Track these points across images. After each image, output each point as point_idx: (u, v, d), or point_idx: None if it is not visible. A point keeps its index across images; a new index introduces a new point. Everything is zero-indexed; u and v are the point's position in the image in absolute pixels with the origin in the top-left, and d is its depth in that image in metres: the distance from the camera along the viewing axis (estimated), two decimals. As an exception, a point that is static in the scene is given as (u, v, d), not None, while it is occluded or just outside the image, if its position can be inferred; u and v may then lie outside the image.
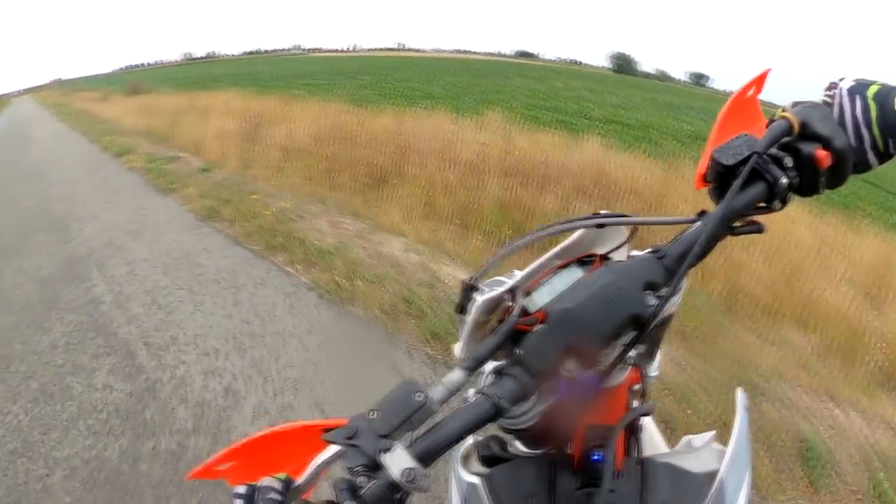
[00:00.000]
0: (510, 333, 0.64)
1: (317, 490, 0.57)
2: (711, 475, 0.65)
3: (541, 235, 0.74)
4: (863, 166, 0.69)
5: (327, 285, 4.28)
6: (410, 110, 11.91)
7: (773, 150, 0.65)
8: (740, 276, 5.09)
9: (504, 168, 7.32)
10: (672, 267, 0.64)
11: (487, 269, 0.73)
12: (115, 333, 3.79)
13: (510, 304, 0.68)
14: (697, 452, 0.72)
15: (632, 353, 0.64)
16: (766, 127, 0.68)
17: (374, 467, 0.51)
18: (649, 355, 0.82)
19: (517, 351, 0.61)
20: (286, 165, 8.30)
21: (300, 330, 3.72)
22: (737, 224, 0.66)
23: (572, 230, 0.74)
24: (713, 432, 0.76)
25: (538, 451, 0.74)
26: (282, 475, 0.55)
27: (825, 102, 0.69)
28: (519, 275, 0.71)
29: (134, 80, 31.55)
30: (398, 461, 0.51)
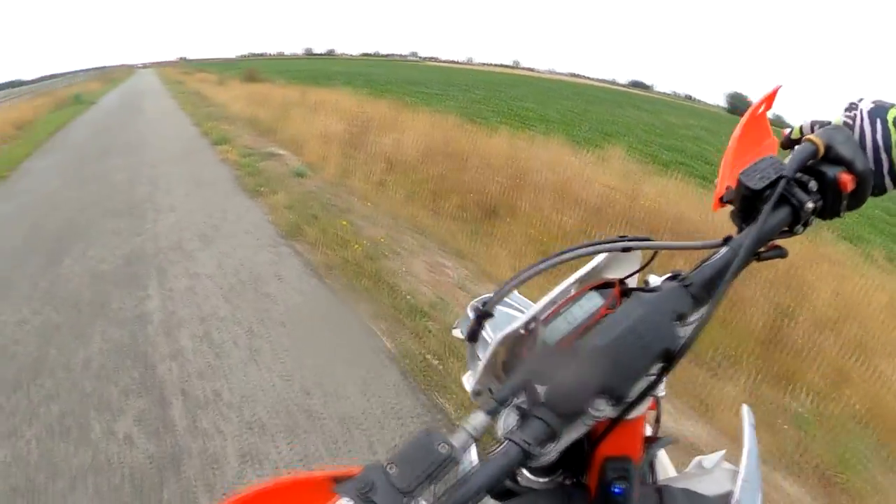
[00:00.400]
0: (533, 371, 0.60)
1: None
2: (726, 497, 0.69)
3: (563, 259, 0.71)
4: (879, 190, 0.67)
5: (415, 360, 3.32)
6: (524, 132, 11.36)
7: (799, 175, 0.64)
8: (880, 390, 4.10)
9: (629, 218, 6.26)
10: (698, 295, 0.61)
11: (503, 295, 0.71)
12: (153, 367, 3.23)
13: (524, 331, 0.65)
14: (710, 474, 0.76)
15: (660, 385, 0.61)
16: (780, 144, 0.73)
17: None
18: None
19: (539, 387, 0.58)
20: (388, 180, 7.53)
21: (370, 421, 2.78)
22: (761, 249, 0.64)
23: (594, 254, 0.71)
24: (722, 452, 0.80)
25: (550, 483, 0.72)
26: None
27: (846, 124, 0.67)
28: (537, 305, 0.66)
29: (251, 68, 32.17)
30: None
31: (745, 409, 0.80)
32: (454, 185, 7.16)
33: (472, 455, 0.74)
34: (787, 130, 0.75)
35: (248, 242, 5.20)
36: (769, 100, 0.79)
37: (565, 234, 5.94)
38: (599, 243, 0.70)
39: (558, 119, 22.94)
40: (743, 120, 0.76)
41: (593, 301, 0.67)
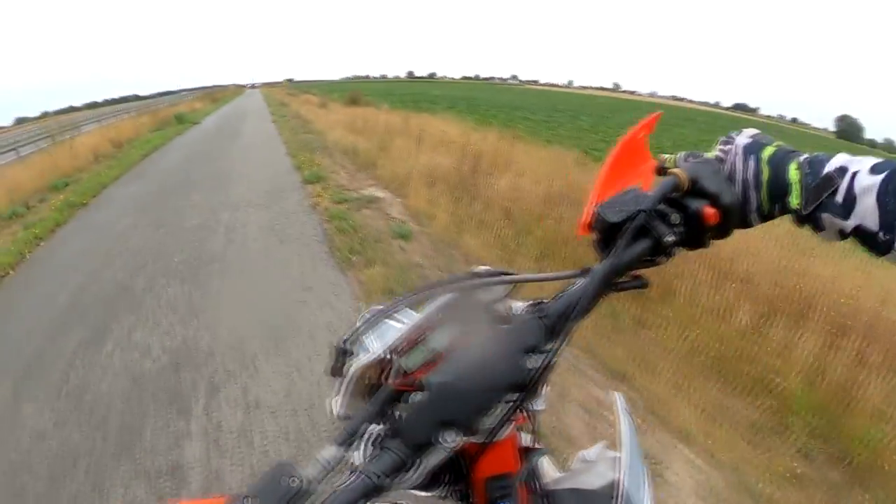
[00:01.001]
0: (387, 400, 0.62)
1: None
2: (613, 485, 0.70)
3: (421, 295, 0.70)
4: (744, 225, 0.68)
5: None
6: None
7: (661, 206, 0.64)
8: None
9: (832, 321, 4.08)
10: (553, 325, 0.61)
11: (360, 334, 0.70)
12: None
13: (386, 358, 0.66)
14: (594, 467, 0.77)
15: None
16: (654, 169, 0.72)
17: None
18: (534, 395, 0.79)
19: (397, 415, 0.59)
20: (508, 235, 6.04)
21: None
22: (621, 279, 0.65)
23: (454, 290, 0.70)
24: (603, 442, 0.81)
25: None
26: None
27: (718, 157, 0.68)
28: (395, 336, 0.67)
29: (355, 91, 31.87)
30: None
31: (616, 395, 0.86)
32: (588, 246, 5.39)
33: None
34: (664, 157, 0.73)
35: (326, 351, 3.70)
36: (649, 125, 0.80)
37: (742, 332, 4.12)
38: (456, 280, 0.69)
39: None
40: (619, 143, 0.77)
41: (453, 330, 0.67)
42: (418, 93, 61.84)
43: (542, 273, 0.71)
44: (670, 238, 0.63)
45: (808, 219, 0.62)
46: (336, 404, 0.69)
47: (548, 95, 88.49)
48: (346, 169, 9.89)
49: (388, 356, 0.65)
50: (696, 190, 0.65)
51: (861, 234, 0.58)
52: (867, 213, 0.56)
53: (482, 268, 0.72)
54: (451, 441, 0.55)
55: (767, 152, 0.65)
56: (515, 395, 0.58)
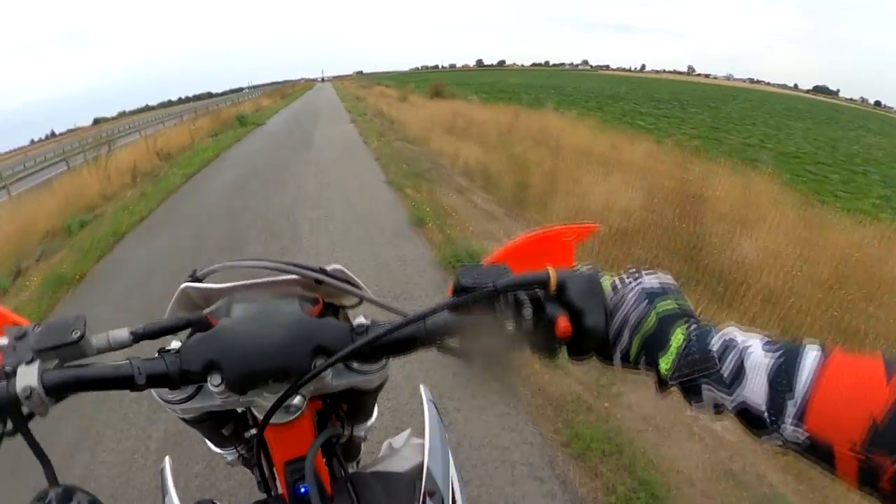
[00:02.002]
0: (192, 323, 0.70)
1: None
2: (418, 469, 0.76)
3: (266, 266, 0.73)
4: (606, 358, 0.62)
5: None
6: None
7: (521, 296, 0.61)
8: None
9: None
10: (362, 348, 0.62)
11: (214, 271, 0.78)
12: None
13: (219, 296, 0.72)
14: (400, 452, 0.86)
15: (296, 401, 0.66)
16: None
17: (12, 374, 0.54)
18: (363, 417, 0.94)
19: (188, 339, 0.62)
20: None
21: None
22: (450, 342, 0.64)
23: (306, 276, 0.74)
24: (409, 430, 0.94)
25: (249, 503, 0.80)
26: None
27: (613, 283, 0.63)
28: (235, 283, 0.72)
29: (436, 82, 28.71)
30: (27, 377, 0.53)
31: (422, 387, 0.97)
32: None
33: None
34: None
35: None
36: (581, 234, 0.80)
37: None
38: (308, 269, 0.73)
39: (811, 153, 18.25)
40: (540, 231, 0.78)
41: (291, 304, 0.72)
42: (494, 81, 58.25)
43: (388, 302, 0.74)
44: (510, 327, 0.59)
45: (681, 386, 0.55)
46: (167, 310, 0.75)
47: (629, 81, 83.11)
48: (495, 218, 6.18)
49: (221, 294, 0.72)
50: (561, 297, 0.60)
51: (744, 412, 0.52)
52: (755, 390, 0.51)
53: (336, 266, 0.75)
54: (216, 385, 0.58)
55: (665, 305, 0.59)
56: (287, 383, 0.61)
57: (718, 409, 0.54)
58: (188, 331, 0.70)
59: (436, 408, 0.90)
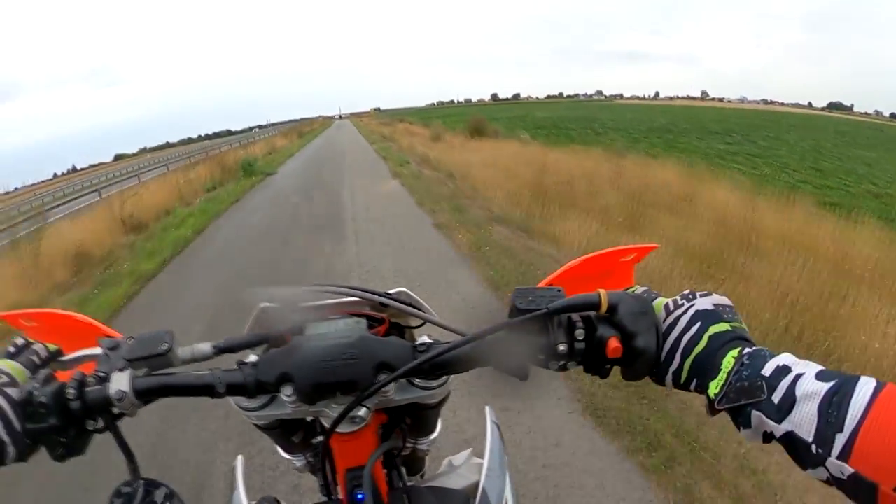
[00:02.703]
0: (269, 339, 0.73)
1: (73, 372, 0.61)
2: (473, 488, 0.79)
3: (336, 290, 0.78)
4: (658, 380, 0.62)
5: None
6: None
7: (574, 317, 0.63)
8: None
9: None
10: (422, 365, 0.64)
11: (289, 294, 0.78)
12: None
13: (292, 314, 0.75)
14: (458, 470, 0.90)
15: (361, 413, 0.68)
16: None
17: (107, 378, 0.61)
18: (426, 431, 0.98)
19: (265, 353, 0.68)
20: None
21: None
22: (504, 362, 0.65)
23: (372, 300, 0.80)
24: (469, 450, 0.96)
25: None
26: (55, 347, 0.71)
27: (667, 306, 0.63)
28: (311, 302, 0.78)
29: (476, 118, 24.12)
30: (119, 382, 0.60)
31: (487, 409, 0.98)
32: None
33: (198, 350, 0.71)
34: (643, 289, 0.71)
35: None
36: (641, 254, 0.83)
37: None
38: (374, 293, 0.79)
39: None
40: (601, 252, 0.82)
41: (360, 326, 0.73)
42: (522, 115, 54.96)
43: (442, 319, 0.74)
44: (562, 348, 0.61)
45: (730, 411, 0.55)
46: (246, 328, 0.80)
47: (652, 110, 79.78)
48: None
49: (294, 314, 0.74)
50: (613, 319, 0.61)
51: (791, 442, 0.51)
52: (804, 420, 0.49)
53: (401, 290, 0.81)
54: (288, 395, 0.63)
55: (718, 328, 0.58)
56: (353, 395, 0.65)
57: (767, 437, 0.52)
58: (264, 346, 0.74)
59: (499, 430, 0.92)
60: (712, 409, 0.55)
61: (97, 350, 0.66)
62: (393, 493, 0.79)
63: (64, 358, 0.71)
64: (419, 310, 0.79)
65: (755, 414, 0.51)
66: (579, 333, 0.61)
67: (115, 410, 0.60)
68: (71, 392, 0.59)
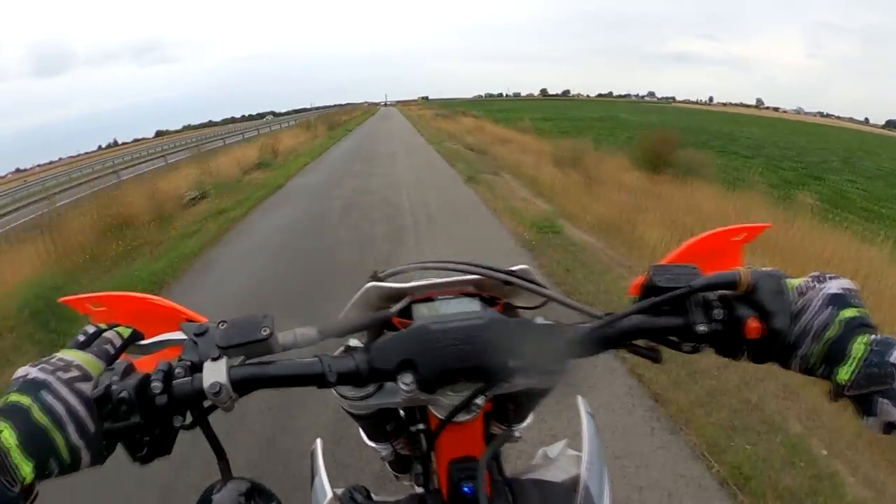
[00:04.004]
0: (379, 322, 0.66)
1: (153, 362, 0.57)
2: (574, 481, 0.75)
3: (453, 267, 0.71)
4: (783, 363, 0.60)
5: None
6: None
7: (710, 296, 0.59)
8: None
9: None
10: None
11: (396, 273, 0.75)
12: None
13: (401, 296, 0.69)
14: (556, 462, 0.84)
15: (479, 400, 0.62)
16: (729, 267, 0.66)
17: (197, 368, 0.55)
18: (519, 418, 0.87)
19: (377, 338, 0.62)
20: None
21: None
22: (638, 342, 0.63)
23: (487, 276, 0.71)
24: (565, 441, 0.89)
25: (402, 497, 0.76)
26: (129, 330, 0.62)
27: (798, 287, 0.59)
28: (419, 282, 0.71)
29: (655, 136, 14.14)
30: (215, 373, 0.54)
31: (580, 399, 0.94)
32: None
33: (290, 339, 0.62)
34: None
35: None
36: (752, 233, 0.79)
37: None
38: (491, 269, 0.70)
39: None
40: (709, 232, 0.77)
41: (473, 305, 0.69)
42: (577, 117, 48.98)
43: (569, 299, 0.69)
44: (702, 328, 0.58)
45: (855, 399, 0.54)
46: (343, 310, 0.71)
47: (708, 116, 74.00)
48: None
49: (403, 294, 0.68)
50: (752, 299, 0.58)
51: None
52: None
53: (522, 266, 0.71)
54: (407, 384, 0.57)
55: (848, 313, 0.55)
56: (480, 383, 0.59)
57: (889, 427, 0.52)
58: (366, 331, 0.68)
59: (593, 421, 0.89)
60: (837, 395, 0.55)
61: (179, 335, 0.60)
62: (495, 486, 0.73)
63: (142, 342, 0.63)
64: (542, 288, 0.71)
65: (882, 402, 0.50)
66: (717, 313, 0.58)
67: (207, 404, 0.55)
68: (156, 385, 0.53)
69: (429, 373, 0.56)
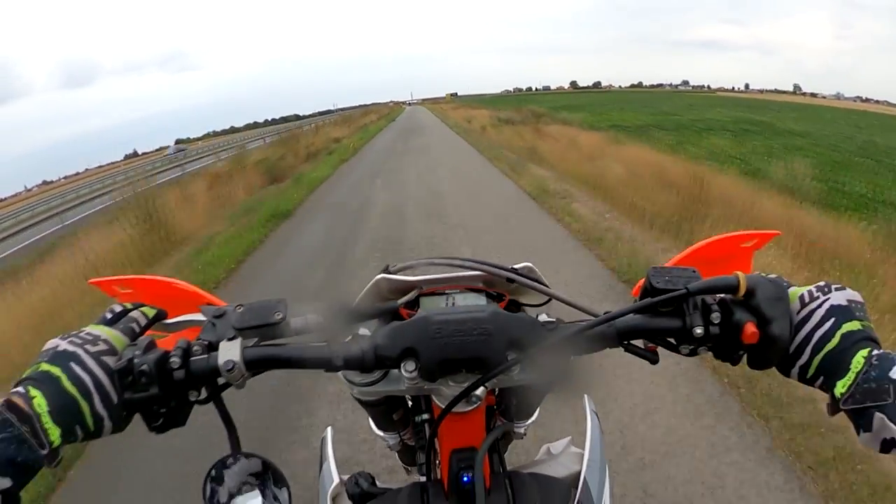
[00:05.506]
0: (387, 312, 0.70)
1: (174, 340, 0.59)
2: (574, 477, 0.77)
3: (460, 264, 0.74)
4: (783, 370, 0.60)
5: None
6: None
7: (708, 300, 0.59)
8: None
9: None
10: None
11: (407, 267, 0.79)
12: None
13: (412, 288, 0.73)
14: (558, 458, 0.86)
15: (479, 392, 0.63)
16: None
17: (214, 347, 0.57)
18: (522, 414, 0.93)
19: (383, 326, 0.64)
20: None
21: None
22: (635, 342, 0.63)
23: (493, 274, 0.74)
24: (569, 438, 0.90)
25: (407, 483, 0.79)
26: (154, 310, 0.66)
27: (801, 297, 0.59)
28: (427, 276, 0.73)
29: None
30: (229, 352, 0.56)
31: (586, 398, 0.96)
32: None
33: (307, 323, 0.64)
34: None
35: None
36: (762, 240, 0.78)
37: None
38: (499, 267, 0.73)
39: None
40: (715, 237, 0.77)
41: (478, 300, 0.74)
42: (657, 116, 43.70)
43: (570, 298, 0.70)
44: (699, 331, 0.58)
45: (852, 413, 0.53)
46: (357, 299, 0.74)
47: (753, 104, 70.47)
48: None
49: (411, 287, 0.72)
50: (750, 303, 0.57)
51: None
52: None
53: (526, 265, 0.74)
54: (410, 371, 0.58)
55: (850, 326, 0.55)
56: (479, 374, 0.60)
57: (886, 445, 0.50)
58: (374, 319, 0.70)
59: (598, 419, 0.90)
60: (834, 408, 0.54)
61: (199, 316, 0.64)
62: (495, 478, 0.75)
63: (165, 321, 0.68)
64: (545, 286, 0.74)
65: (878, 417, 0.50)
66: (715, 317, 0.58)
67: (221, 381, 0.58)
68: (175, 360, 0.55)
69: (429, 361, 0.58)
